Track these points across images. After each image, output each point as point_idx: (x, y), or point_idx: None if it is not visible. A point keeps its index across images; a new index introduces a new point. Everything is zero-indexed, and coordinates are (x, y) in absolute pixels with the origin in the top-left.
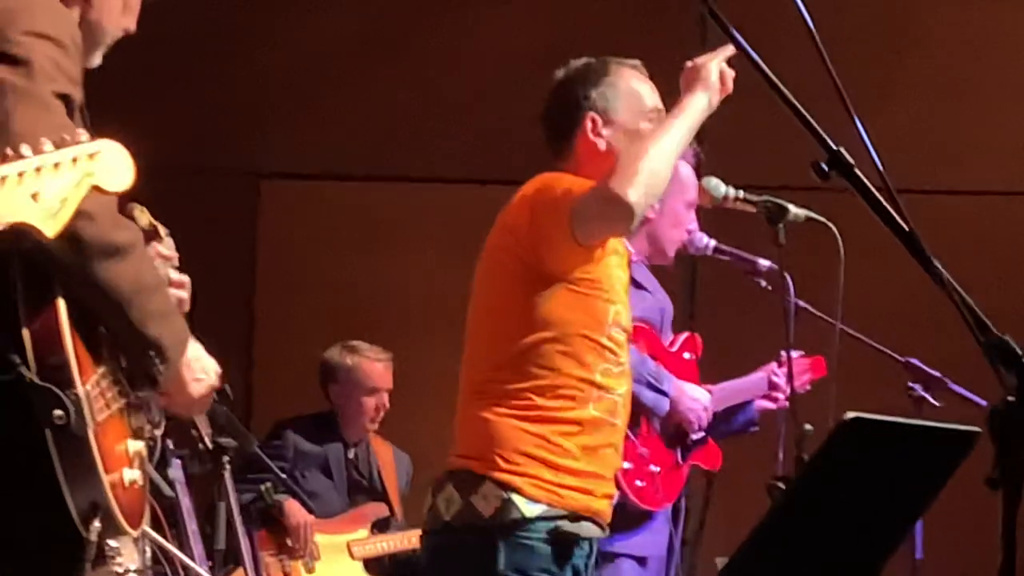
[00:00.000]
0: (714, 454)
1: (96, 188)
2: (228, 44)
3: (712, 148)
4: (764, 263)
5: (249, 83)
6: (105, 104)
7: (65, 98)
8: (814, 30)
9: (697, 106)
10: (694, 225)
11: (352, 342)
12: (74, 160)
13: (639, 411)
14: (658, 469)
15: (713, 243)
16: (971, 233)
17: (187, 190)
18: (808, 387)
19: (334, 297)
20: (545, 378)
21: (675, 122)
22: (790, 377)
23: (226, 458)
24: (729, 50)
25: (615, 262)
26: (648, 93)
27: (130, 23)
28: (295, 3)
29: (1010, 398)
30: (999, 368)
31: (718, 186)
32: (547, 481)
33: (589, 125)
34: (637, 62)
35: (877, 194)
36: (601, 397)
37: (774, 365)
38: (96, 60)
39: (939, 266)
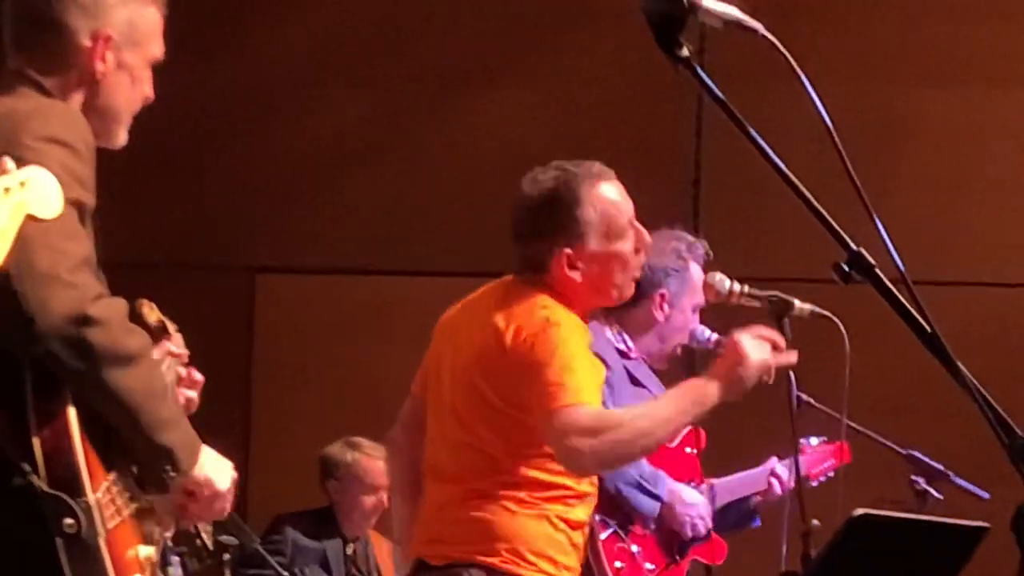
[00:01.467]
0: (718, 548)
1: (30, 216)
2: (223, 139)
3: (712, 242)
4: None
5: (244, 178)
6: (100, 201)
7: (77, 204)
8: (831, 126)
9: (705, 401)
10: (695, 324)
11: (354, 438)
12: (6, 190)
13: (631, 512)
14: (653, 567)
15: (715, 336)
16: (970, 325)
17: (183, 286)
18: (831, 475)
19: (331, 391)
20: (544, 478)
21: (672, 411)
22: (796, 472)
23: (226, 555)
24: (791, 359)
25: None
26: (621, 206)
27: (147, 92)
28: (291, 97)
29: None
30: (1022, 469)
31: (723, 281)
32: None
33: (564, 260)
34: (603, 168)
35: (899, 296)
36: (585, 496)
37: (774, 460)
38: (122, 139)
39: (963, 368)
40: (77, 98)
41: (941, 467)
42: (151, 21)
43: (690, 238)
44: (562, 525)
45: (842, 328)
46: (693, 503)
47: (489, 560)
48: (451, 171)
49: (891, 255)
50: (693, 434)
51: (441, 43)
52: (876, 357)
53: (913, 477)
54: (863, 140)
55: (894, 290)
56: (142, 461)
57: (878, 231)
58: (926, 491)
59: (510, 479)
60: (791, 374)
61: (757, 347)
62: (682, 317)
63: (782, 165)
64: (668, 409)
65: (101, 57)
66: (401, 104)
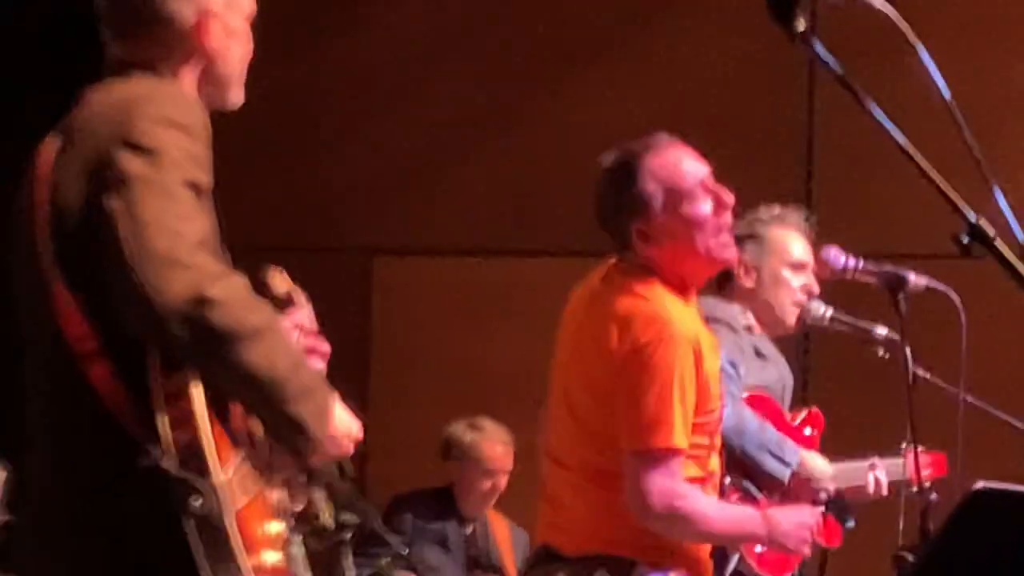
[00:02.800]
0: (834, 530)
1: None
2: (339, 120)
3: (825, 218)
4: (881, 331)
5: (360, 159)
6: (217, 182)
7: (194, 185)
8: (950, 99)
9: (750, 531)
10: (810, 285)
11: (478, 420)
12: None
13: (761, 478)
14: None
15: (830, 312)
16: None
17: (299, 268)
18: (928, 484)
19: (449, 373)
20: None
21: (731, 530)
22: (914, 440)
23: (347, 534)
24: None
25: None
26: (683, 170)
27: (249, 48)
28: (406, 78)
29: None
30: None
31: (838, 257)
32: (683, 555)
33: (638, 236)
34: (665, 137)
35: (1019, 265)
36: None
37: (876, 458)
38: (239, 98)
39: None
40: (192, 74)
41: None
42: None
43: (775, 208)
44: None
45: (958, 302)
46: (824, 470)
47: (619, 552)
48: (566, 150)
49: (1012, 228)
50: (814, 416)
51: (554, 21)
52: (994, 331)
53: None
54: (980, 114)
55: (1015, 261)
56: (274, 433)
57: (998, 203)
58: None
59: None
60: (907, 349)
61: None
62: (774, 277)
63: (899, 136)
64: (729, 525)
65: (208, 32)
66: (516, 83)
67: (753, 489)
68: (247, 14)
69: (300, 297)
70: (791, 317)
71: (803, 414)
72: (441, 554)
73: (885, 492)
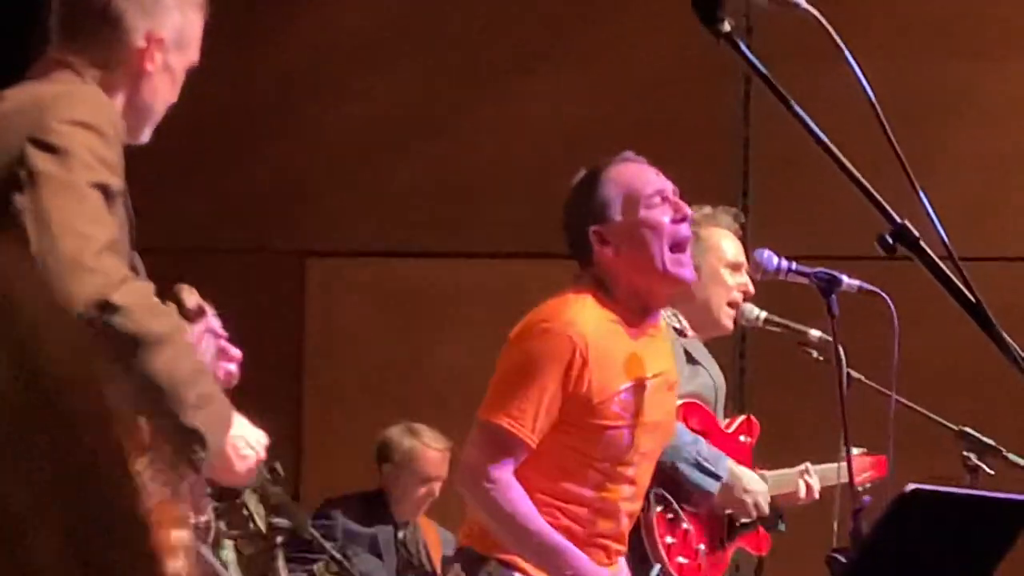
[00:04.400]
0: (763, 540)
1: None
2: (272, 122)
3: (761, 219)
4: (816, 333)
5: (293, 161)
6: (148, 187)
7: (103, 187)
8: (875, 101)
9: (547, 558)
10: (744, 285)
11: (416, 425)
12: None
13: (688, 489)
14: (703, 548)
15: (764, 314)
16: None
17: (232, 271)
18: (868, 485)
19: (383, 375)
20: (546, 476)
21: (533, 548)
22: (848, 454)
23: (280, 539)
24: None
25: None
26: (644, 179)
27: (175, 95)
28: (339, 79)
29: None
30: None
31: (770, 258)
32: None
33: (594, 239)
34: (631, 153)
35: (944, 267)
36: (604, 498)
37: (808, 464)
38: (147, 136)
39: (1008, 339)
40: (118, 94)
41: (992, 442)
42: (196, 27)
43: (707, 208)
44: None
45: (891, 304)
46: (755, 488)
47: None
48: (500, 152)
49: (937, 230)
50: (747, 423)
51: (489, 24)
52: (926, 333)
53: (965, 453)
54: (914, 115)
55: (939, 262)
56: (172, 442)
57: (923, 205)
58: (978, 466)
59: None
60: (840, 350)
61: None
62: (711, 278)
63: (826, 139)
64: (524, 538)
65: (151, 58)
66: (450, 86)
67: (675, 504)
68: (189, 63)
69: (209, 311)
70: (727, 318)
71: (737, 421)
72: (373, 558)
73: (816, 496)
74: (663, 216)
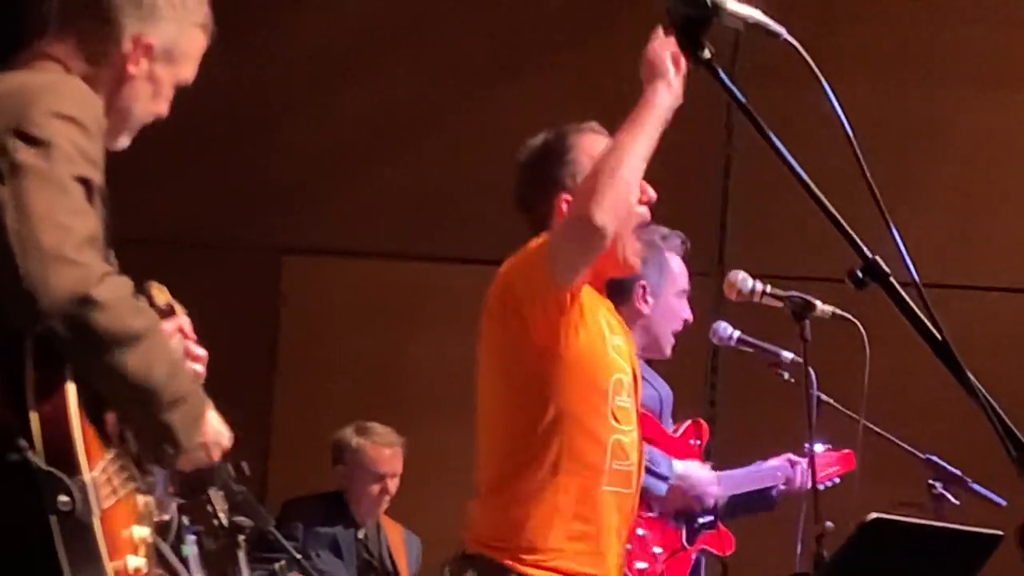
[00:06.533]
0: (726, 539)
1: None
2: (254, 119)
3: (737, 241)
4: (787, 355)
5: (274, 158)
6: (127, 180)
7: (85, 181)
8: (851, 132)
9: (660, 102)
10: (688, 315)
11: (366, 423)
12: None
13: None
14: (661, 551)
15: (737, 334)
16: (994, 330)
17: (209, 265)
18: (836, 480)
19: (355, 375)
20: (558, 463)
21: (639, 122)
22: (812, 474)
23: (241, 536)
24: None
25: (605, 327)
26: None
27: (162, 108)
28: (324, 80)
29: None
30: None
31: (745, 280)
32: (563, 572)
33: (564, 207)
34: (595, 124)
35: (912, 304)
36: (614, 471)
37: (790, 455)
38: (123, 143)
39: (972, 378)
40: (100, 93)
41: (958, 472)
42: (195, 44)
43: (664, 230)
44: (580, 508)
45: (863, 330)
46: (704, 477)
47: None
48: (481, 159)
49: (905, 262)
50: (696, 426)
51: (474, 32)
52: (897, 359)
53: (930, 481)
54: (895, 142)
55: (907, 298)
56: (142, 438)
57: (892, 237)
58: (942, 495)
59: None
60: (811, 373)
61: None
62: (667, 305)
63: (800, 170)
64: (631, 125)
65: (135, 62)
66: (434, 91)
67: None
68: (179, 79)
69: (179, 309)
70: (669, 347)
71: (684, 426)
72: (334, 559)
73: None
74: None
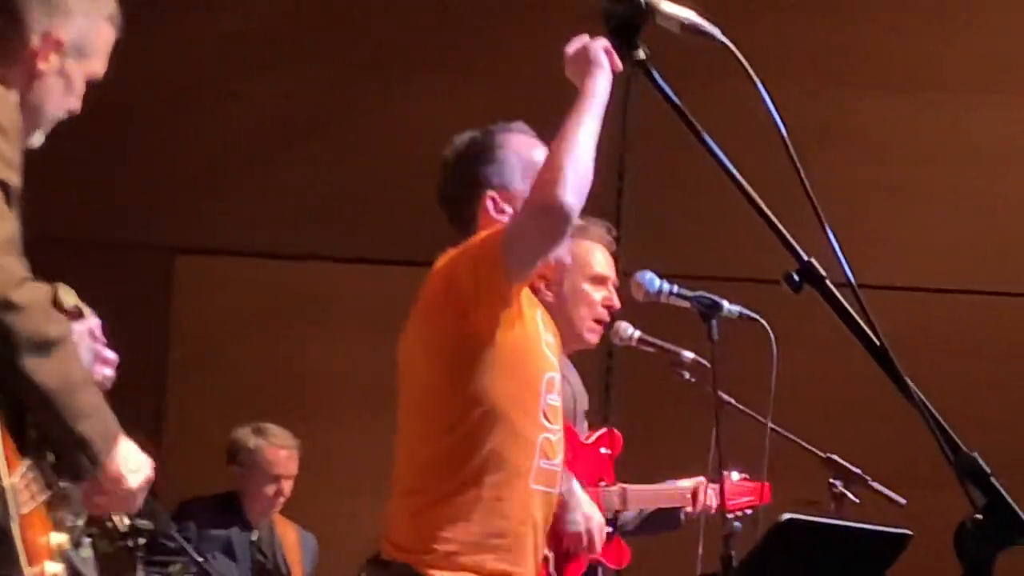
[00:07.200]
0: (622, 552)
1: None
2: (147, 116)
3: (639, 240)
4: (688, 355)
5: (167, 156)
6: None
7: (2, 185)
8: (784, 132)
9: (600, 90)
10: (612, 302)
11: (263, 424)
12: None
13: None
14: (551, 555)
15: (637, 333)
16: (904, 329)
17: (100, 264)
18: (748, 511)
19: (249, 377)
20: (484, 462)
21: (585, 111)
22: (720, 474)
23: (141, 539)
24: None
25: (540, 325)
26: (542, 154)
27: (74, 104)
28: (218, 78)
29: (978, 516)
30: (968, 485)
31: (652, 280)
32: (486, 574)
33: (490, 205)
34: (521, 123)
35: (849, 307)
36: (541, 469)
37: (704, 480)
38: (37, 141)
39: (910, 383)
40: (13, 91)
41: (859, 471)
42: (104, 38)
43: (579, 221)
44: (503, 507)
45: (769, 330)
46: (589, 514)
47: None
48: (381, 157)
49: (841, 263)
50: (609, 435)
51: (376, 28)
52: (801, 358)
53: (831, 480)
54: (801, 143)
55: (844, 302)
56: (58, 449)
57: (828, 238)
58: (843, 494)
59: (443, 478)
60: (714, 374)
61: (581, 42)
62: (574, 290)
63: (735, 171)
64: (575, 116)
65: (45, 57)
66: (333, 88)
67: None
68: (90, 73)
69: (87, 312)
70: (590, 334)
71: (597, 434)
72: (227, 560)
73: (710, 507)
74: None
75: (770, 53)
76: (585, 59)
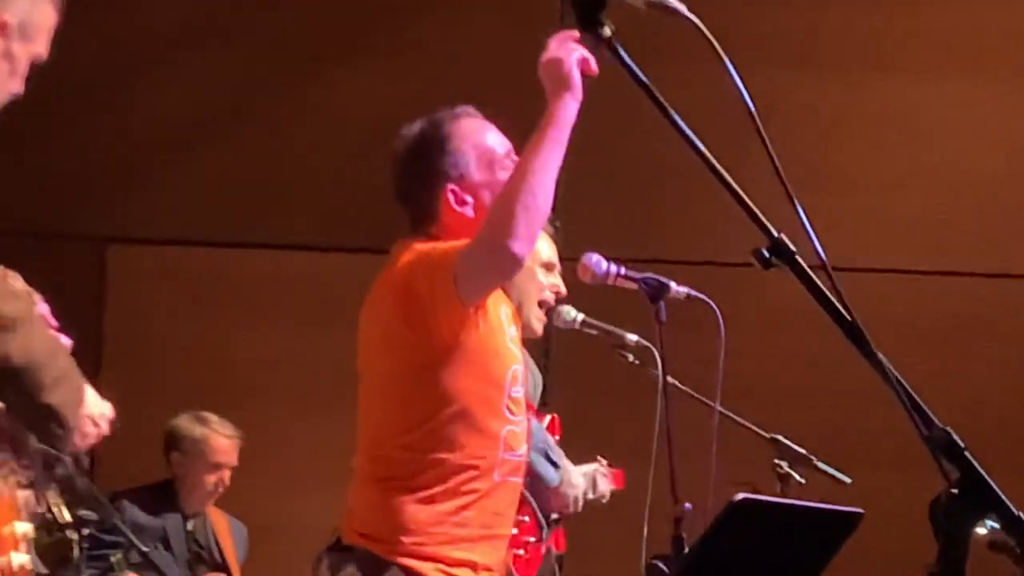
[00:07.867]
0: (562, 537)
1: None
2: (74, 105)
3: (585, 223)
4: (632, 337)
5: (96, 145)
6: None
7: None
8: (755, 113)
9: (567, 115)
10: (559, 288)
11: (204, 413)
12: None
13: (532, 477)
14: (533, 539)
15: (581, 316)
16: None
17: (30, 255)
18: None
19: (183, 367)
20: (450, 456)
21: (546, 141)
22: (669, 454)
23: (85, 530)
24: (574, 35)
25: (504, 320)
26: (495, 139)
27: (18, 87)
28: (143, 67)
29: (953, 490)
30: (941, 460)
31: (599, 262)
32: (452, 563)
33: (451, 197)
34: (470, 108)
35: (820, 283)
36: (505, 461)
37: (597, 466)
38: None
39: (883, 358)
40: None
41: (804, 451)
42: (47, 19)
43: None
44: (469, 499)
45: (718, 312)
46: (578, 483)
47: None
48: (311, 143)
49: (813, 243)
50: (553, 422)
51: (302, 12)
52: (748, 340)
53: (776, 460)
54: (720, 123)
55: (815, 278)
56: (29, 423)
57: (800, 218)
58: (788, 474)
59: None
60: (658, 356)
61: (555, 51)
62: (525, 277)
63: (706, 150)
64: (538, 142)
65: None
66: (261, 74)
67: None
68: (34, 55)
69: (37, 296)
70: (536, 320)
71: (547, 419)
72: (162, 551)
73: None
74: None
75: (716, 34)
76: (557, 75)
